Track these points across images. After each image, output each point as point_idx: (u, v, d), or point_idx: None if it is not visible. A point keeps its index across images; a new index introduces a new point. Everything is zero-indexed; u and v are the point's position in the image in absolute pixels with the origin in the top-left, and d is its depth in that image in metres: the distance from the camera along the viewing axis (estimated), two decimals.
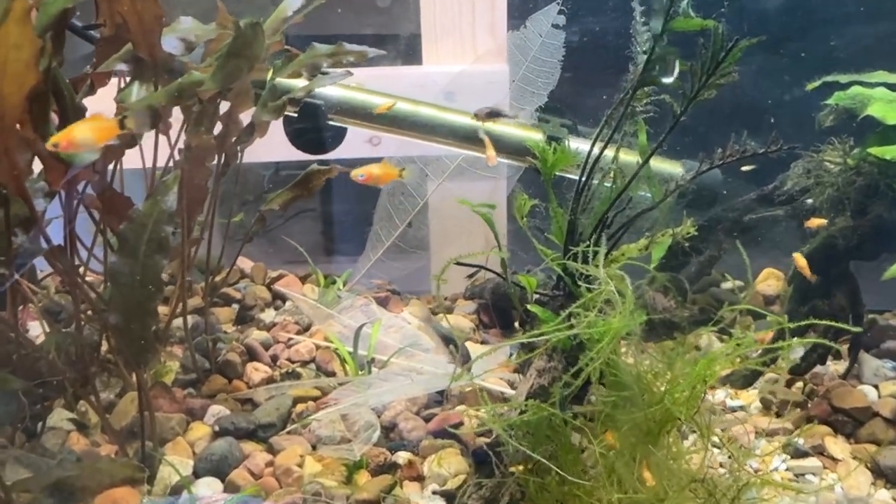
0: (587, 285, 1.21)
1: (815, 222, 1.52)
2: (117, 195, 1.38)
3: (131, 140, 1.31)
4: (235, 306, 1.76)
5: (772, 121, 1.87)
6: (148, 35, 1.30)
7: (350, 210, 2.29)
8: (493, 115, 1.66)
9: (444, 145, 1.79)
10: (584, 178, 1.37)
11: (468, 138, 1.76)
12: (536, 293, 1.38)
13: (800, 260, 1.48)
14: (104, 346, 1.41)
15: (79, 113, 1.26)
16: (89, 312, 1.36)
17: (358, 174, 1.46)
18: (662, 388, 1.05)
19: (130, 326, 1.12)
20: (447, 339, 1.40)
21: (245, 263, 1.91)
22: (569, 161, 1.42)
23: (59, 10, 1.00)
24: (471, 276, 1.81)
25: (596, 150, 1.39)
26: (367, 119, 1.75)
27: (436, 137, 1.77)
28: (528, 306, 1.29)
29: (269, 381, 1.48)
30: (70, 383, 1.25)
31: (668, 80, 1.25)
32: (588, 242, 1.37)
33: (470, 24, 1.92)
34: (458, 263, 1.73)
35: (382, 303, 1.81)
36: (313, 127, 1.78)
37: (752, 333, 1.46)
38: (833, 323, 1.22)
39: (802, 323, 1.23)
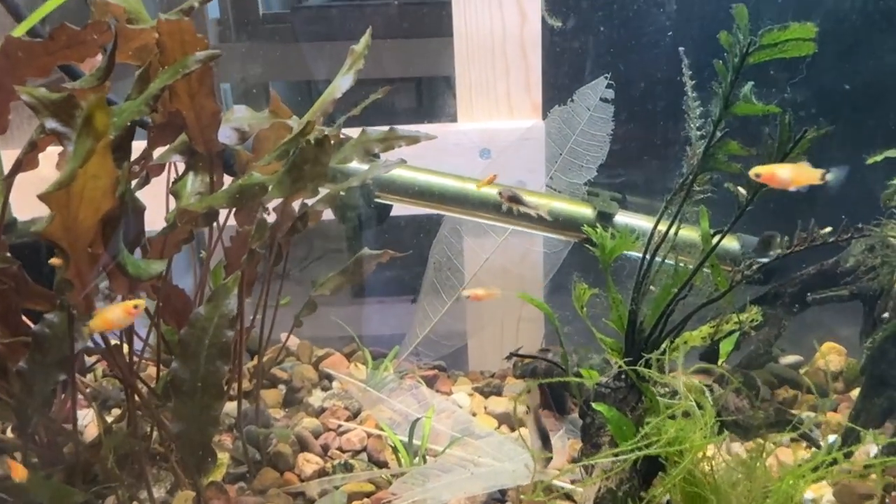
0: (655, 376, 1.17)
1: None
2: (174, 290, 1.37)
3: (189, 236, 1.31)
4: (282, 388, 1.74)
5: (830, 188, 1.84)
6: (206, 130, 1.31)
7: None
8: (514, 200, 1.64)
9: (486, 220, 1.77)
10: (643, 269, 1.34)
11: (518, 214, 1.74)
12: (598, 385, 1.34)
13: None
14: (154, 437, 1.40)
15: (138, 210, 1.26)
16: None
17: None
18: (742, 501, 1.00)
19: (191, 435, 1.09)
20: (544, 436, 1.35)
21: (290, 339, 1.89)
22: (627, 247, 1.39)
23: (127, 122, 1.00)
24: (511, 356, 1.77)
25: (656, 236, 1.36)
26: (412, 195, 1.74)
27: (484, 214, 1.75)
28: (592, 404, 1.24)
29: (321, 473, 1.44)
30: (125, 485, 1.23)
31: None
32: (650, 334, 1.34)
33: (504, 81, 1.91)
34: (514, 355, 1.70)
35: (430, 382, 1.78)
36: (360, 205, 1.77)
37: (829, 436, 1.41)
38: None
39: None
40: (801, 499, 0.99)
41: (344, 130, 1.47)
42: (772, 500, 0.98)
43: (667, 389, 1.12)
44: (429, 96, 2.69)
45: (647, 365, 1.15)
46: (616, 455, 1.14)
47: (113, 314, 0.97)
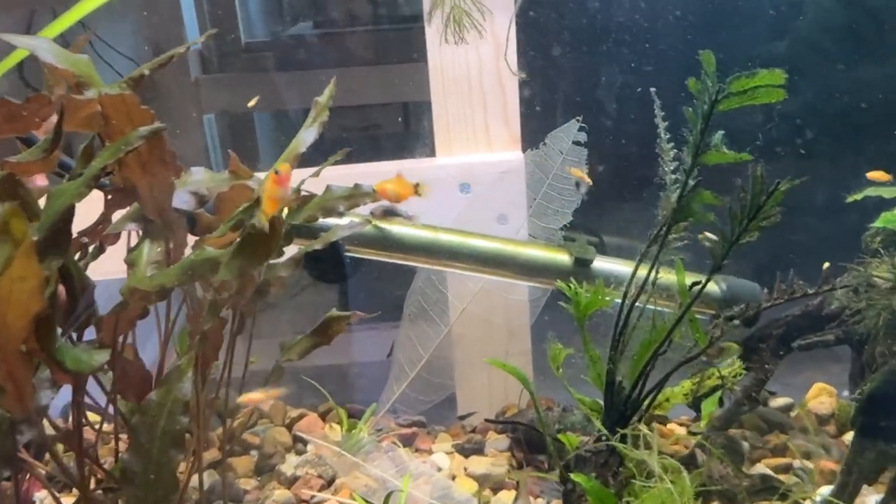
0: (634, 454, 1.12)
1: None
2: (131, 364, 1.31)
3: (144, 312, 1.25)
4: (254, 454, 1.67)
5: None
6: (159, 199, 1.25)
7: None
8: (389, 213, 1.60)
9: (467, 271, 1.71)
10: (619, 326, 1.29)
11: (494, 262, 1.69)
12: (577, 449, 1.29)
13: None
14: None
15: (86, 289, 1.20)
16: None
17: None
18: None
19: None
20: None
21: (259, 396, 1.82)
22: (603, 303, 1.34)
23: (64, 207, 0.95)
24: (487, 421, 1.72)
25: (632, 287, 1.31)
26: (385, 248, 1.69)
27: (458, 263, 1.70)
28: (572, 475, 1.19)
29: None
30: None
31: None
32: (630, 393, 1.29)
33: (482, 114, 1.88)
34: (491, 421, 1.64)
35: (409, 440, 1.72)
36: (331, 258, 1.72)
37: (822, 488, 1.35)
38: None
39: None
40: None
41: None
42: None
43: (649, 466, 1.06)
44: (415, 120, 2.67)
45: (623, 438, 1.09)
46: None
47: None
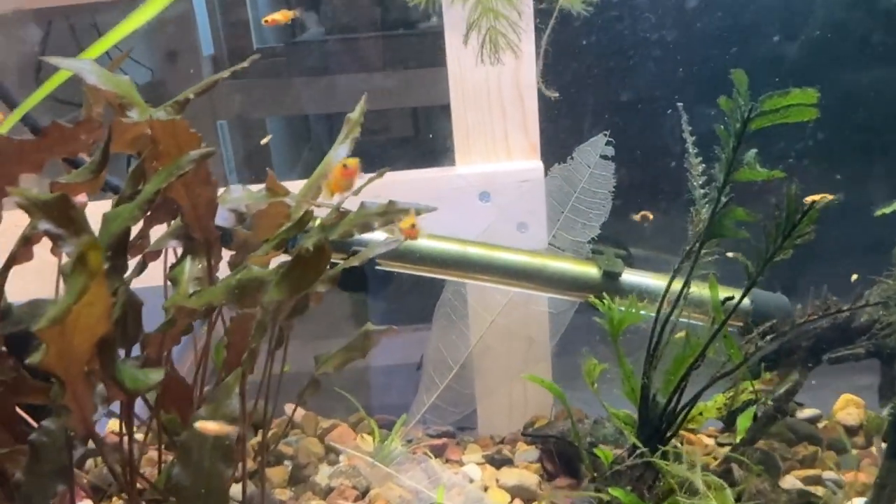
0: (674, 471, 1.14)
1: None
2: (173, 379, 1.34)
3: (188, 329, 1.28)
4: (288, 464, 1.70)
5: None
6: (202, 218, 1.29)
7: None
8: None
9: (495, 284, 1.73)
10: (653, 342, 1.31)
11: (522, 275, 1.71)
12: (615, 463, 1.31)
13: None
14: None
15: (136, 308, 1.24)
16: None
17: None
18: None
19: None
20: None
21: (292, 409, 1.85)
22: (637, 318, 1.36)
23: (121, 230, 0.98)
24: (524, 433, 1.74)
25: (665, 307, 1.33)
26: (415, 262, 1.71)
27: (486, 277, 1.72)
28: (609, 489, 1.21)
29: None
30: None
31: None
32: (664, 407, 1.30)
33: (501, 123, 1.89)
34: (526, 434, 1.66)
35: (439, 451, 1.74)
36: (362, 272, 1.74)
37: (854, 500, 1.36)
38: None
39: None
40: None
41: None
42: None
43: (688, 480, 1.08)
44: (426, 126, 2.68)
45: (664, 454, 1.11)
46: None
47: None
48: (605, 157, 1.77)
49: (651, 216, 1.35)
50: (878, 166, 2.13)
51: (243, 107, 2.61)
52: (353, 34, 2.59)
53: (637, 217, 1.40)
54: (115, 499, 1.53)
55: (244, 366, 1.10)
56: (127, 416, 1.11)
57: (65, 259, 1.15)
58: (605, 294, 1.46)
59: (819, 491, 1.47)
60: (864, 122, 2.13)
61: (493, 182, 1.83)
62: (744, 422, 1.43)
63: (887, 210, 1.53)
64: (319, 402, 1.88)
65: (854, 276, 1.51)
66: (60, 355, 0.86)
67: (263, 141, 2.34)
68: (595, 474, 1.37)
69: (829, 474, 1.54)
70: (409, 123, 2.78)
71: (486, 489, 1.58)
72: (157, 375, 1.00)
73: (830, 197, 1.26)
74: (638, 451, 1.25)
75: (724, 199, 1.30)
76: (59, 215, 1.09)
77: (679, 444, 1.15)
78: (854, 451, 1.64)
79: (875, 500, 1.29)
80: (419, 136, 2.75)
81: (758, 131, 1.26)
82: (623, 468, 1.29)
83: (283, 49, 2.60)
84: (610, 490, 1.20)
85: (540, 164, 1.81)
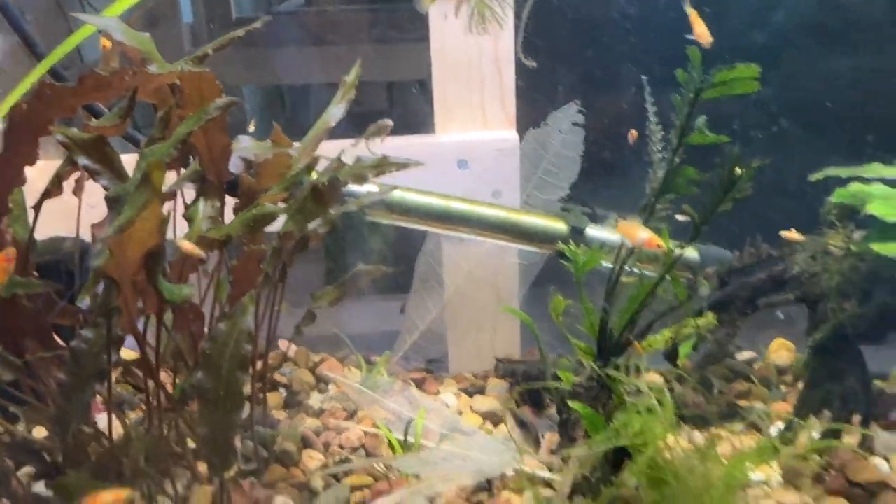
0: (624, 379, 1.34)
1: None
2: (190, 305, 1.50)
3: (200, 260, 1.44)
4: (282, 391, 1.88)
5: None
6: (217, 162, 1.45)
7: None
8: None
9: (474, 235, 1.92)
10: (612, 281, 1.50)
11: (499, 228, 1.89)
12: (573, 385, 1.51)
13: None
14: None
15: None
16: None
17: None
18: (700, 485, 1.16)
19: (216, 437, 1.23)
20: (522, 423, 1.53)
21: (285, 345, 2.02)
22: (598, 260, 1.55)
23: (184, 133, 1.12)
24: (497, 360, 1.93)
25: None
26: (402, 214, 1.88)
27: (466, 229, 1.90)
28: (569, 402, 1.41)
29: (325, 468, 1.59)
30: (152, 480, 1.37)
31: None
32: (618, 339, 1.51)
33: (479, 94, 2.05)
34: (500, 360, 1.86)
35: (419, 383, 1.93)
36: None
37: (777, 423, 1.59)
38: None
39: None
40: (746, 479, 1.16)
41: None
42: (721, 481, 1.15)
43: (633, 388, 1.28)
44: (401, 100, 2.79)
45: (616, 367, 1.31)
46: (590, 447, 1.30)
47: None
48: (575, 124, 1.95)
49: (636, 134, 1.51)
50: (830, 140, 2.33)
51: (220, 74, 2.71)
52: (332, 6, 2.68)
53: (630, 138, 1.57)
54: (130, 413, 1.69)
55: (259, 288, 1.27)
56: (157, 326, 1.28)
57: (90, 197, 1.32)
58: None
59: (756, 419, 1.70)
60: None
61: (471, 150, 2.00)
62: (685, 349, 1.65)
63: (819, 176, 1.75)
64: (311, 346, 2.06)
65: (783, 232, 1.71)
66: (117, 263, 1.02)
67: (250, 127, 2.46)
68: (557, 399, 1.57)
69: (759, 405, 1.77)
70: (383, 97, 2.89)
71: (461, 413, 1.78)
72: (188, 290, 1.17)
73: (767, 161, 1.46)
74: (594, 374, 1.45)
75: (677, 160, 1.50)
76: (97, 152, 1.25)
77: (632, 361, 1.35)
78: (783, 388, 1.87)
79: (795, 416, 1.51)
80: (393, 110, 2.85)
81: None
82: (580, 390, 1.50)
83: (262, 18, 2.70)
84: (569, 403, 1.40)
85: (515, 135, 1.98)
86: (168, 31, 2.58)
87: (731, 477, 1.15)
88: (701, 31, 1.39)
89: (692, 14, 1.39)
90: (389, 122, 1.63)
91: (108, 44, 1.52)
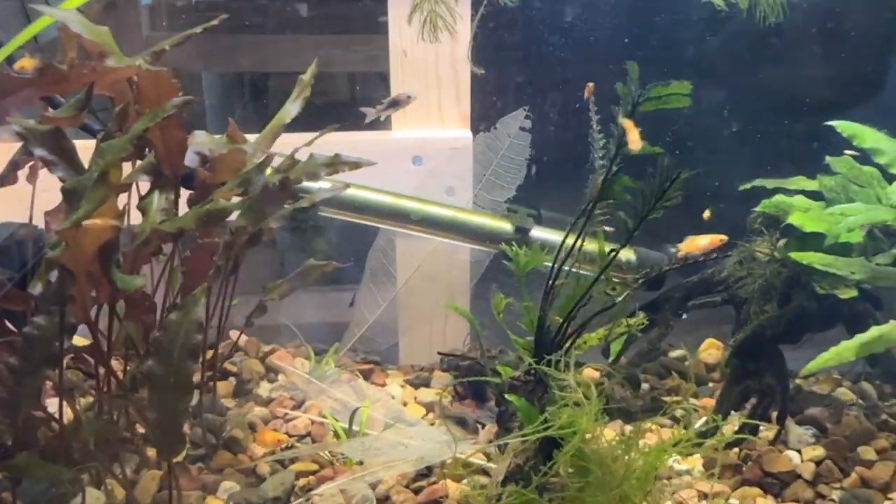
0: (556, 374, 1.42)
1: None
2: (143, 295, 1.54)
3: (158, 251, 1.48)
4: (232, 380, 1.92)
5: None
6: (173, 157, 1.49)
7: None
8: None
9: (423, 233, 1.99)
10: (550, 282, 1.59)
11: (448, 227, 1.97)
12: (511, 379, 1.59)
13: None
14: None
15: None
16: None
17: None
18: (622, 473, 1.26)
19: (165, 422, 1.28)
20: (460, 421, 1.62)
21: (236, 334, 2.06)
22: (539, 262, 1.64)
23: (116, 159, 1.17)
24: (441, 354, 2.00)
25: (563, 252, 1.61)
26: (354, 211, 1.94)
27: (416, 227, 1.97)
28: (506, 395, 1.49)
29: (271, 454, 1.64)
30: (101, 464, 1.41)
31: None
32: (555, 336, 1.59)
33: (436, 93, 2.11)
34: (443, 354, 1.93)
35: (366, 375, 2.00)
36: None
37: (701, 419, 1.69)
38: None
39: None
40: (665, 468, 1.25)
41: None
42: (641, 469, 1.24)
43: (567, 383, 1.37)
44: (362, 91, 2.83)
45: (551, 363, 1.40)
46: (524, 436, 1.39)
47: None
48: (523, 129, 2.04)
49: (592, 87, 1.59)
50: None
51: (178, 59, 2.69)
52: None
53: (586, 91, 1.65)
54: (80, 399, 1.72)
55: (210, 280, 1.32)
56: (110, 315, 1.32)
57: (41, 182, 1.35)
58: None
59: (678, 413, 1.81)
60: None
61: (426, 147, 2.06)
62: (615, 346, 1.74)
63: (747, 186, 1.86)
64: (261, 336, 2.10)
65: (706, 214, 1.80)
66: (73, 254, 1.06)
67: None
68: (496, 391, 1.65)
69: (693, 401, 1.88)
70: (345, 88, 2.92)
71: (405, 404, 1.85)
72: (140, 281, 1.21)
73: (695, 172, 1.55)
74: (531, 369, 1.54)
75: (615, 168, 1.59)
76: (53, 144, 1.28)
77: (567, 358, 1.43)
78: (710, 385, 1.99)
79: (716, 411, 1.62)
80: (354, 102, 2.88)
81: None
82: (518, 384, 1.58)
83: (223, 4, 2.64)
84: (507, 397, 1.48)
85: (469, 134, 2.06)
86: (126, 13, 2.57)
87: (650, 465, 1.24)
88: (633, 139, 1.49)
89: (627, 124, 1.50)
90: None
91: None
